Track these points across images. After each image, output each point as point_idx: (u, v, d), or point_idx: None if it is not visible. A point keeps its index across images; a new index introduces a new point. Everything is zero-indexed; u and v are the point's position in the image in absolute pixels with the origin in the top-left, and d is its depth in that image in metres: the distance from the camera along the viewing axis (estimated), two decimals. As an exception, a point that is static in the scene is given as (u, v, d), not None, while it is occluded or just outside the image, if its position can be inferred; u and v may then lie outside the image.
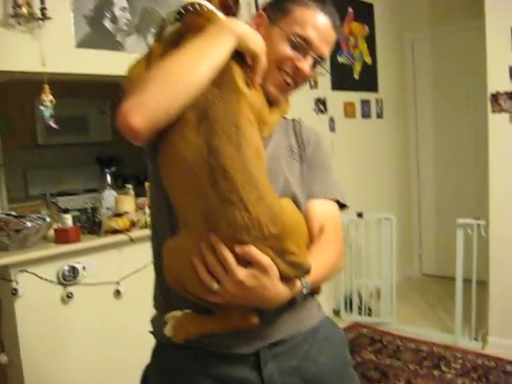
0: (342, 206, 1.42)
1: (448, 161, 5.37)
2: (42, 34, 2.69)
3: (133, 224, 2.99)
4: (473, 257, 3.83)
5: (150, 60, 1.24)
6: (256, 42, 1.22)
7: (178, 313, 1.24)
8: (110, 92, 5.57)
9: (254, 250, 1.09)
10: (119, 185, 4.58)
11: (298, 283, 1.17)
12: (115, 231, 2.90)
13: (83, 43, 2.86)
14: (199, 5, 1.26)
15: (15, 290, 2.53)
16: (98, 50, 2.93)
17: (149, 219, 3.03)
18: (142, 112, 1.06)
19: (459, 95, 5.18)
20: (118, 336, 2.95)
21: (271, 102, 1.32)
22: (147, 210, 3.08)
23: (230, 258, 1.09)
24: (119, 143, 6.02)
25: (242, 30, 1.20)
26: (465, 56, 5.02)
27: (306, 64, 1.31)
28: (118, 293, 2.94)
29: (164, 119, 1.09)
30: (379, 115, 5.15)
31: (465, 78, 5.07)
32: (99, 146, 6.04)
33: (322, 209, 1.36)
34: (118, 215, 2.98)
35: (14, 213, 2.82)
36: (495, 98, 3.62)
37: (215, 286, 1.11)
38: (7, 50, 2.62)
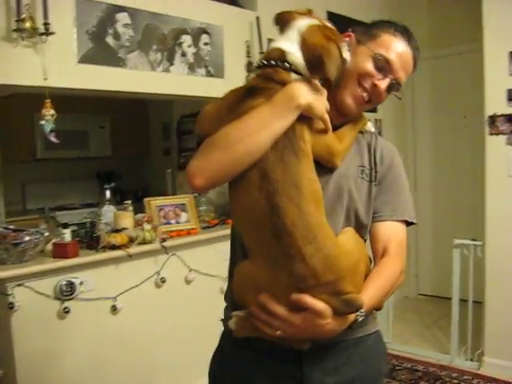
0: (410, 223, 1.51)
1: (446, 181, 5.39)
2: (45, 48, 2.71)
3: (131, 240, 2.99)
4: (469, 277, 3.84)
5: (223, 103, 1.34)
6: (318, 108, 1.29)
7: (241, 313, 1.36)
8: (110, 107, 5.65)
9: (307, 299, 1.20)
10: (118, 200, 4.58)
11: (353, 315, 1.26)
12: (113, 247, 2.90)
13: (85, 59, 2.88)
14: (280, 60, 1.29)
15: (12, 304, 2.52)
16: (100, 65, 2.95)
17: (147, 235, 3.05)
18: (205, 175, 1.24)
19: (457, 117, 5.21)
20: (114, 351, 2.93)
21: (346, 115, 1.46)
22: (145, 226, 3.09)
23: (280, 311, 1.22)
24: (118, 158, 6.10)
25: (307, 100, 1.26)
26: (463, 78, 5.06)
27: (383, 83, 1.42)
28: (114, 308, 2.93)
29: (225, 180, 1.27)
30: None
31: (463, 99, 5.10)
32: (98, 161, 6.05)
33: (387, 231, 1.45)
34: (117, 231, 2.99)
35: (12, 226, 2.82)
36: (493, 120, 3.65)
37: (277, 333, 1.24)
38: (10, 63, 2.63)
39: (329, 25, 1.33)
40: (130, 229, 3.04)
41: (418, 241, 5.59)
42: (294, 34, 1.28)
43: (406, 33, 1.45)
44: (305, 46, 1.27)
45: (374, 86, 1.42)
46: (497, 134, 3.64)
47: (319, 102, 1.29)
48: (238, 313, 1.38)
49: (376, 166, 1.48)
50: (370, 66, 1.41)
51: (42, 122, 2.74)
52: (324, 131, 1.32)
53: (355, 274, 1.28)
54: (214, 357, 1.57)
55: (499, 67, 3.59)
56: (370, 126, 1.57)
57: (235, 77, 3.56)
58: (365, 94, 1.43)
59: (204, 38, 3.46)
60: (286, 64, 1.28)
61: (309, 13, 1.35)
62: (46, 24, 2.65)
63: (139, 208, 3.36)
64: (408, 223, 1.50)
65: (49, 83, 2.72)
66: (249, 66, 3.63)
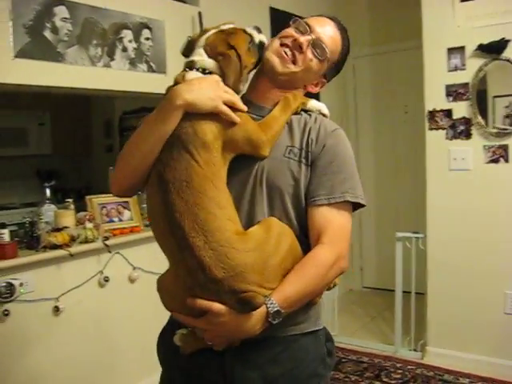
0: (358, 205, 1.44)
1: (388, 176, 5.50)
2: (-21, 43, 2.61)
3: (72, 239, 2.92)
4: (411, 269, 3.93)
5: None
6: (205, 103, 1.31)
7: (183, 330, 1.41)
8: (50, 104, 5.50)
9: (201, 301, 1.25)
10: (60, 199, 4.47)
11: (262, 309, 1.25)
12: (54, 246, 2.82)
13: (22, 53, 2.79)
14: (189, 67, 1.42)
15: None
16: (38, 60, 2.86)
17: (89, 233, 2.98)
18: (116, 183, 1.44)
19: (398, 112, 5.33)
20: (57, 353, 2.86)
21: (276, 82, 1.49)
22: (87, 225, 3.02)
23: (185, 319, 1.32)
24: (60, 156, 5.95)
25: (185, 99, 1.30)
26: (404, 74, 5.17)
27: (303, 38, 1.48)
28: (57, 309, 2.86)
29: (134, 185, 1.42)
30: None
31: (404, 95, 5.22)
32: (39, 159, 5.88)
33: (322, 217, 1.39)
34: (58, 230, 2.91)
35: None
36: (432, 115, 3.74)
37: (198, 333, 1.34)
38: None
39: (225, 27, 1.45)
40: (72, 228, 2.98)
41: (362, 234, 5.69)
42: (200, 49, 1.42)
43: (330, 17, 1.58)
44: (210, 54, 1.40)
45: (294, 40, 1.48)
46: (436, 129, 3.74)
47: (206, 97, 1.31)
48: (181, 331, 1.41)
49: (308, 147, 1.44)
50: (290, 29, 1.51)
51: (-23, 119, 2.64)
52: (232, 124, 1.34)
53: (263, 270, 1.26)
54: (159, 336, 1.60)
55: (438, 63, 3.68)
56: (314, 105, 1.55)
57: (177, 72, 3.50)
58: (287, 50, 1.48)
59: (145, 32, 3.39)
60: (195, 68, 1.39)
61: (212, 28, 1.46)
62: (-21, 17, 2.55)
63: (82, 207, 3.29)
64: (356, 205, 1.44)
65: (-17, 78, 2.62)
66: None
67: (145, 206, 3.51)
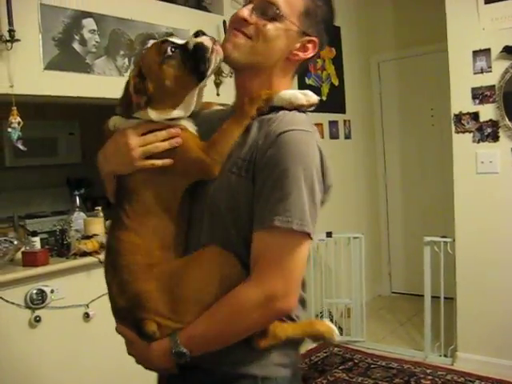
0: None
1: (415, 180, 5.47)
2: (10, 55, 2.67)
3: (102, 246, 2.96)
4: (440, 274, 3.90)
5: None
6: (123, 168, 1.27)
7: None
8: (79, 113, 5.58)
9: (119, 327, 1.28)
10: (89, 207, 4.54)
11: (165, 343, 1.18)
12: (84, 253, 2.87)
13: (52, 65, 2.86)
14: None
15: (-19, 314, 2.49)
16: (67, 72, 2.93)
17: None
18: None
19: (425, 115, 5.29)
20: (87, 359, 2.91)
21: (235, 68, 1.31)
22: (117, 232, 3.06)
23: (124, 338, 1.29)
24: (89, 165, 6.01)
25: (111, 168, 1.29)
26: (429, 77, 5.14)
27: (244, 9, 1.27)
28: (87, 316, 2.90)
29: None
30: (347, 136, 5.22)
31: (430, 98, 5.19)
32: (68, 168, 5.97)
33: (255, 245, 1.16)
34: (87, 237, 2.96)
35: (-20, 236, 2.79)
36: (459, 118, 3.71)
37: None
38: (-25, 71, 2.61)
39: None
40: (101, 235, 3.02)
41: (390, 239, 5.65)
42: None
43: None
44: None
45: (237, 16, 1.26)
46: (463, 132, 3.71)
47: (119, 163, 1.27)
48: None
49: (252, 157, 1.18)
50: (236, 13, 1.29)
51: (9, 130, 2.70)
52: (165, 168, 1.23)
53: (170, 300, 1.18)
54: None
55: (464, 66, 3.66)
56: (283, 98, 1.26)
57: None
58: (234, 31, 1.26)
59: (171, 42, 3.44)
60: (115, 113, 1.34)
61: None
62: (10, 31, 2.62)
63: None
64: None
65: (15, 90, 2.69)
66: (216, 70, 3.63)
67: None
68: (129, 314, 1.22)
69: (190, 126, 1.29)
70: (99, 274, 2.93)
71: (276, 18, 1.24)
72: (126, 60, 3.20)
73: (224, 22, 3.68)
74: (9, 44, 2.64)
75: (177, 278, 1.19)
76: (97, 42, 3.06)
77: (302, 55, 1.30)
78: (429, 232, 4.16)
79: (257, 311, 1.14)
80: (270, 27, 1.24)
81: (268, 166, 1.15)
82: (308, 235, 1.15)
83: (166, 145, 1.22)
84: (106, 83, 3.09)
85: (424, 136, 5.33)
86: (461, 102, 3.70)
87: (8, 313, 2.60)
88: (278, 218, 1.12)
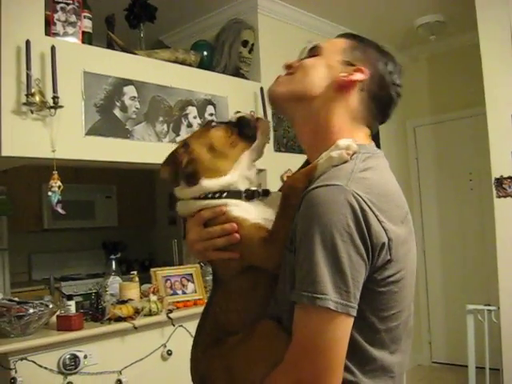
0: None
1: (455, 245, 5.33)
2: (53, 121, 2.75)
3: (137, 311, 2.93)
4: (485, 344, 3.73)
5: None
6: (196, 257, 1.35)
7: None
8: (116, 177, 5.69)
9: None
10: (124, 270, 4.55)
11: None
12: (119, 318, 2.84)
13: (93, 131, 2.92)
14: None
15: (14, 379, 2.45)
16: (107, 137, 2.99)
17: (153, 306, 2.99)
18: None
19: (463, 179, 5.22)
20: (118, 429, 2.83)
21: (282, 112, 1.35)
22: (152, 298, 3.04)
23: None
24: (124, 228, 6.09)
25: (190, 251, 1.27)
26: (466, 141, 5.10)
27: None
28: (119, 382, 2.84)
29: None
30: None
31: (468, 162, 5.13)
32: (105, 231, 6.04)
33: (293, 323, 1.04)
34: (122, 302, 2.94)
35: (16, 298, 2.79)
36: (500, 182, 3.64)
37: None
38: (19, 136, 2.67)
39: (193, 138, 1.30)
40: (136, 300, 3.00)
41: (430, 306, 5.48)
42: None
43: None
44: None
45: (284, 64, 1.29)
46: (505, 197, 3.63)
47: (194, 252, 1.26)
48: None
49: (295, 228, 1.07)
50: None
51: (49, 194, 2.75)
52: (229, 259, 1.17)
53: (232, 381, 1.11)
54: None
55: (503, 130, 3.61)
56: (324, 166, 1.12)
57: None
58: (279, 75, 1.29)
59: (209, 108, 3.51)
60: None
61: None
62: (54, 98, 2.70)
63: (146, 278, 3.32)
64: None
65: (57, 155, 2.75)
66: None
67: (208, 278, 3.53)
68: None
69: (247, 206, 1.20)
70: (133, 340, 2.92)
71: (316, 54, 1.25)
72: (165, 126, 3.26)
73: (261, 88, 3.74)
74: (52, 110, 2.72)
75: (232, 356, 1.12)
76: (137, 108, 3.13)
77: (346, 79, 1.20)
78: (471, 300, 4.01)
79: None
80: (308, 61, 1.25)
81: (298, 233, 1.04)
82: (329, 309, 0.97)
83: (223, 242, 1.15)
84: (145, 149, 3.14)
85: (463, 200, 5.24)
86: (501, 165, 3.64)
87: (40, 378, 2.56)
88: (294, 293, 1.01)
